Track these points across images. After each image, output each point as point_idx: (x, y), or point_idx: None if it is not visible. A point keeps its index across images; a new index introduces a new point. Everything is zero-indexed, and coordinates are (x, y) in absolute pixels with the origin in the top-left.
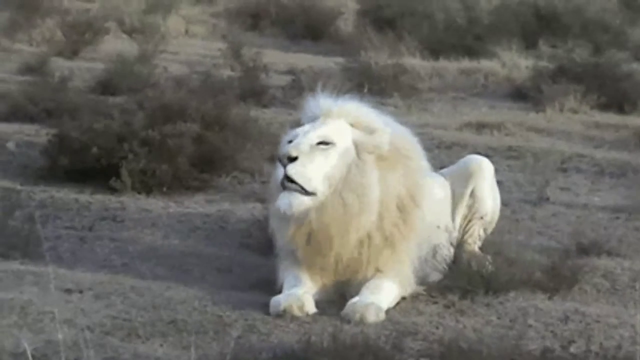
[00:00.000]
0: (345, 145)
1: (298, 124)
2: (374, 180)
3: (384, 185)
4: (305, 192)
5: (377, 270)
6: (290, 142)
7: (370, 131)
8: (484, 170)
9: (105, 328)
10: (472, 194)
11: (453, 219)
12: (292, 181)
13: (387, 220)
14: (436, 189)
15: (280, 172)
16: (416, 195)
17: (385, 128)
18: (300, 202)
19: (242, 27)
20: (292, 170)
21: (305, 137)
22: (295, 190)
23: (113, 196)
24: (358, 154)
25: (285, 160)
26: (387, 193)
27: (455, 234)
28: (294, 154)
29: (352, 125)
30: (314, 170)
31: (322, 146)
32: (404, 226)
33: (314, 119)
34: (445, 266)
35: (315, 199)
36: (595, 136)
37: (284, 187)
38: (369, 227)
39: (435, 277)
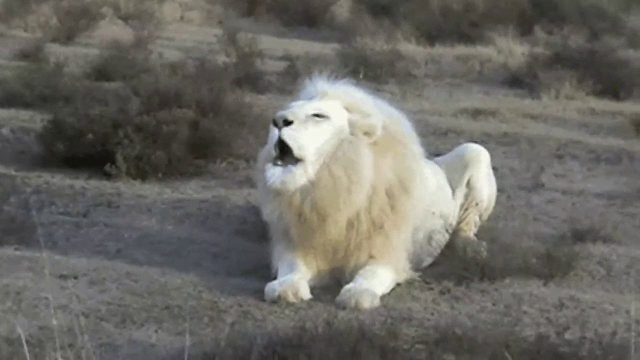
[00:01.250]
0: (339, 122)
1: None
2: (366, 158)
3: (375, 170)
4: (294, 161)
5: (371, 256)
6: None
7: (364, 115)
8: (481, 158)
9: (100, 314)
10: (469, 183)
11: (449, 207)
12: (283, 146)
13: (375, 205)
14: (430, 176)
15: (274, 135)
16: (406, 182)
17: (379, 113)
18: (293, 176)
19: (238, 13)
20: (286, 133)
21: (302, 107)
22: (286, 164)
23: (108, 182)
24: (351, 132)
25: (281, 123)
26: (377, 178)
27: (452, 221)
28: (290, 118)
29: (346, 108)
30: (307, 137)
31: (317, 118)
32: (392, 212)
33: (309, 99)
34: (440, 252)
35: (304, 168)
36: (591, 123)
37: (275, 155)
38: (359, 206)
39: (430, 263)
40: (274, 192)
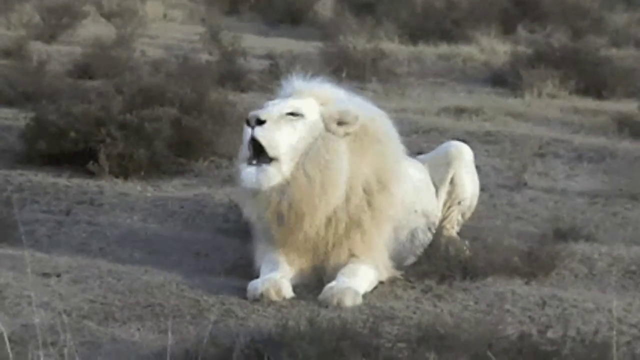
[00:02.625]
0: (313, 120)
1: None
2: (341, 156)
3: (352, 167)
4: (268, 160)
5: (352, 255)
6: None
7: (340, 112)
8: (464, 156)
9: (82, 312)
10: (452, 181)
11: (432, 205)
12: (256, 146)
13: (352, 202)
14: (412, 174)
15: (247, 134)
16: (385, 179)
17: (355, 109)
18: (266, 175)
19: (221, 11)
20: (259, 132)
21: (275, 106)
22: (260, 164)
23: (91, 180)
24: (326, 126)
25: (254, 122)
26: (354, 175)
27: (434, 219)
28: (262, 117)
29: (322, 105)
30: (280, 137)
31: (291, 117)
32: (370, 209)
33: (287, 97)
34: (422, 251)
35: (279, 167)
36: (574, 121)
37: (249, 156)
38: (335, 204)
39: (412, 261)
40: (250, 192)
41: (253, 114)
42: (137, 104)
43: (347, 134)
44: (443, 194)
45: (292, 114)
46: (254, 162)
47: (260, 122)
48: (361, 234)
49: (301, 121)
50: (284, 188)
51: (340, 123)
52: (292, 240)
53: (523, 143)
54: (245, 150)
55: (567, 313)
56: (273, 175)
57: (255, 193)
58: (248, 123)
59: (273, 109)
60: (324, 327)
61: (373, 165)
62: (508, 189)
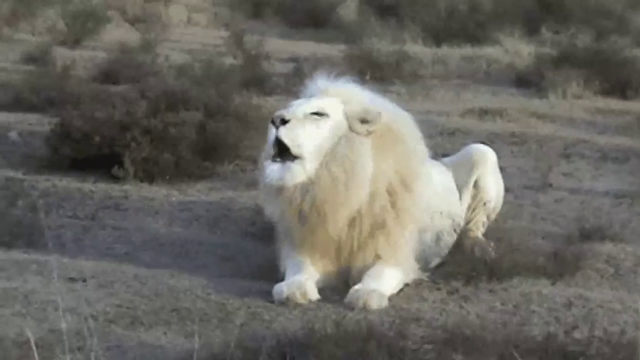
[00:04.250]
0: (337, 119)
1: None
2: (365, 156)
3: (376, 167)
4: (293, 158)
5: (377, 256)
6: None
7: (363, 110)
8: (488, 159)
9: (108, 316)
10: (476, 184)
11: (457, 207)
12: (281, 145)
13: (376, 203)
14: (436, 175)
15: (271, 134)
16: (408, 180)
17: (379, 109)
18: (291, 172)
19: (244, 15)
20: (283, 132)
21: (300, 106)
22: (284, 161)
23: (116, 185)
24: (350, 125)
25: (278, 122)
26: (378, 176)
27: (459, 221)
28: (287, 117)
29: (344, 103)
30: (304, 136)
31: (315, 116)
32: (394, 210)
33: (310, 97)
34: (448, 253)
35: (303, 165)
36: (598, 122)
37: (273, 153)
38: (359, 204)
39: (438, 263)
40: (273, 189)
41: (278, 113)
42: (161, 108)
43: (370, 132)
44: (467, 197)
45: (316, 113)
46: (278, 159)
47: (285, 122)
48: (385, 235)
49: (325, 121)
50: (307, 187)
51: (363, 121)
52: (313, 240)
53: (548, 144)
54: (269, 149)
55: (593, 313)
56: (297, 173)
57: (278, 190)
58: (273, 123)
59: (297, 109)
60: (350, 330)
61: (397, 166)
62: (533, 190)
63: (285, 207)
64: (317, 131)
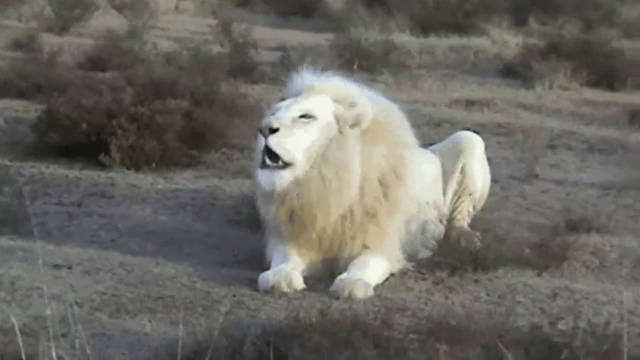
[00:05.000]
0: (326, 120)
1: (281, 98)
2: (355, 156)
3: (366, 159)
4: (284, 165)
5: (364, 246)
6: (273, 114)
7: (352, 106)
8: (475, 146)
9: (93, 304)
10: (463, 171)
11: (444, 195)
12: (271, 152)
13: (368, 195)
14: (424, 165)
15: (261, 143)
16: (399, 170)
17: (367, 102)
18: (281, 178)
19: (232, 4)
20: (273, 141)
21: (287, 110)
22: (275, 167)
23: (102, 172)
24: (339, 129)
25: (267, 131)
26: (369, 167)
27: (445, 211)
28: (275, 126)
29: (334, 100)
30: (294, 142)
31: (303, 119)
32: (386, 201)
33: (297, 94)
34: (434, 243)
35: (294, 171)
36: (585, 113)
37: (263, 160)
38: (350, 203)
39: (424, 253)
40: (267, 193)
41: (266, 122)
42: (148, 96)
43: (359, 130)
44: (453, 184)
45: (304, 116)
46: (269, 165)
47: (273, 131)
48: (375, 225)
49: (314, 123)
50: (298, 189)
51: (353, 125)
52: (304, 239)
53: (534, 135)
54: (258, 156)
55: (579, 305)
56: (288, 178)
57: (271, 194)
58: (261, 132)
59: (285, 115)
60: (335, 319)
61: (388, 157)
62: (519, 181)
63: (277, 208)
64: (306, 135)
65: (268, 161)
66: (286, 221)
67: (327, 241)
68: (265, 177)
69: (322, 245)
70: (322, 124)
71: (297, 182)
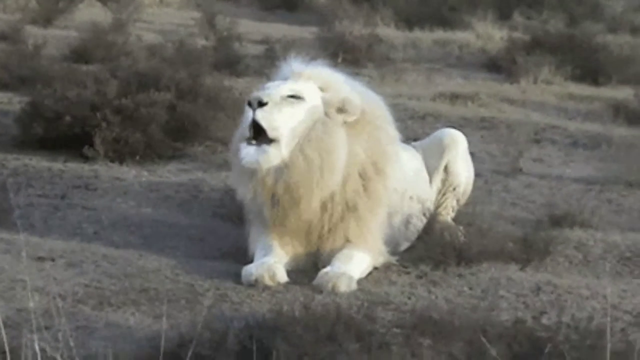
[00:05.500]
0: (313, 103)
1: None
2: (340, 140)
3: (348, 152)
4: (269, 141)
5: (347, 240)
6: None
7: (342, 100)
8: (458, 143)
9: (77, 296)
10: (446, 168)
11: (427, 191)
12: (257, 127)
13: (348, 186)
14: (406, 159)
15: (248, 116)
16: (380, 164)
17: (357, 98)
18: (266, 156)
19: None
20: (260, 114)
21: (276, 88)
22: (260, 144)
23: (86, 164)
24: (326, 112)
25: (255, 104)
26: (350, 160)
27: (429, 205)
28: (264, 99)
29: (321, 88)
30: (281, 119)
31: (292, 99)
32: (366, 194)
33: (284, 79)
34: (417, 237)
35: (279, 150)
36: (569, 108)
37: (249, 136)
38: (333, 188)
39: (407, 247)
40: (247, 171)
41: (255, 95)
42: (132, 88)
43: (345, 121)
44: (437, 182)
45: (292, 96)
46: (254, 142)
47: (262, 104)
48: (356, 218)
49: (302, 104)
50: (281, 170)
51: (340, 110)
52: (285, 223)
53: (518, 129)
54: (245, 131)
55: (562, 299)
56: (273, 156)
57: (252, 173)
58: (250, 104)
59: (274, 91)
60: (319, 312)
61: (369, 150)
62: (503, 175)
63: (259, 189)
64: (294, 114)
65: (252, 139)
66: (268, 203)
67: (307, 230)
68: (249, 155)
69: (303, 235)
70: (310, 107)
71: (281, 164)
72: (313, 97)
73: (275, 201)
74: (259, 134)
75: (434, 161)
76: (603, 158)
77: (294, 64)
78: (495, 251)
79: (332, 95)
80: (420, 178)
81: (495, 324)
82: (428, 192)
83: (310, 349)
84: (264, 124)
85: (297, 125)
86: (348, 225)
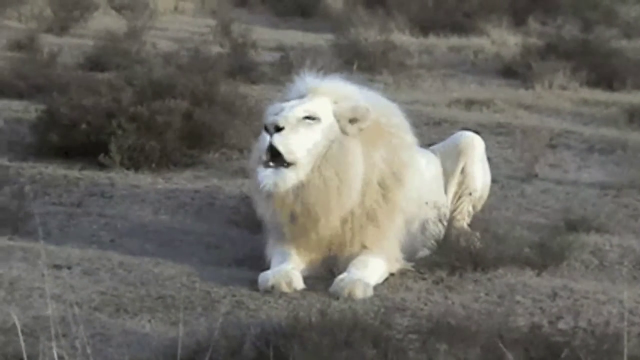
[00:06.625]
0: (329, 122)
1: (282, 99)
2: (357, 159)
3: (366, 162)
4: (286, 164)
5: (364, 246)
6: (276, 114)
7: (351, 108)
8: (475, 146)
9: (93, 304)
10: (463, 171)
11: (445, 195)
12: (274, 151)
13: (368, 197)
14: (424, 165)
15: (264, 141)
16: (399, 172)
17: (368, 105)
18: (283, 179)
19: (231, 4)
20: (278, 139)
21: (292, 110)
22: (277, 167)
23: (102, 172)
24: (341, 128)
25: (272, 129)
26: (369, 169)
27: (445, 211)
28: (281, 124)
29: (336, 103)
30: (298, 142)
31: (307, 121)
32: (385, 203)
33: (299, 96)
34: (433, 243)
35: (296, 172)
36: (584, 113)
37: (266, 159)
38: (351, 205)
39: (424, 253)
40: (266, 193)
41: (272, 120)
42: (148, 96)
43: (360, 129)
44: (454, 185)
45: (308, 117)
46: (271, 164)
47: (279, 129)
48: (374, 226)
49: (317, 125)
50: (299, 190)
51: (352, 120)
52: (304, 240)
53: (534, 135)
54: (261, 154)
55: (578, 304)
56: (290, 179)
57: (270, 195)
58: (266, 129)
59: (290, 114)
60: (335, 319)
61: (388, 159)
62: (519, 181)
63: (278, 209)
64: (310, 136)
65: (270, 162)
66: (287, 222)
67: (326, 242)
68: (267, 178)
69: (322, 246)
70: (325, 126)
71: (299, 184)
72: (328, 116)
73: (293, 219)
74: (276, 157)
75: (450, 164)
76: (619, 163)
77: (309, 80)
78: (511, 256)
79: (342, 106)
80: (438, 184)
81: (512, 329)
82: (443, 198)
83: (327, 355)
84: (281, 149)
85: (313, 147)
86: (366, 232)
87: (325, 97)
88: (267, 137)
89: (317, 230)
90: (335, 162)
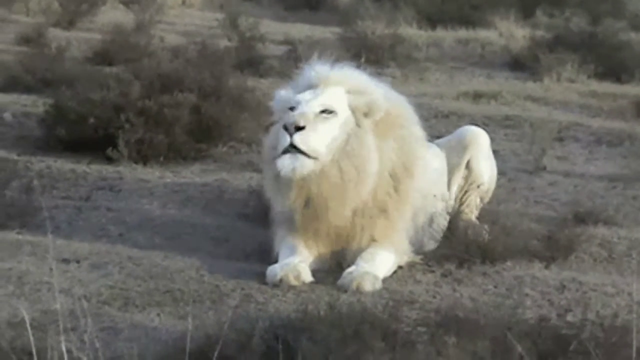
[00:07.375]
0: (345, 115)
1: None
2: (372, 151)
3: (379, 153)
4: (308, 158)
5: (372, 239)
6: (291, 108)
7: (366, 103)
8: (480, 141)
9: (102, 297)
10: (468, 165)
11: (449, 189)
12: (296, 149)
13: (380, 189)
14: (431, 159)
15: (285, 139)
16: (409, 165)
17: (380, 92)
18: (302, 164)
19: None
20: (299, 138)
21: (309, 106)
22: (294, 152)
23: (110, 166)
24: (356, 121)
25: (292, 129)
26: (381, 162)
27: (452, 203)
28: (301, 124)
29: (348, 92)
30: (318, 139)
31: (324, 115)
32: (396, 195)
33: (310, 86)
34: (441, 235)
35: (315, 162)
36: (592, 105)
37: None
38: (365, 197)
39: (432, 246)
40: (282, 181)
41: (292, 120)
42: (156, 90)
43: (375, 122)
44: (459, 179)
45: (324, 111)
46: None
47: (299, 128)
48: (385, 218)
49: (335, 119)
50: (317, 179)
51: (367, 115)
52: (315, 229)
53: (542, 127)
54: (280, 148)
55: (587, 296)
56: (308, 166)
57: (289, 181)
58: (286, 129)
59: (308, 110)
60: (344, 312)
61: (398, 151)
62: (527, 173)
63: (294, 195)
64: (329, 131)
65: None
66: (301, 207)
67: (336, 234)
68: (286, 163)
69: (331, 238)
70: (342, 120)
71: (317, 173)
72: (343, 108)
73: (308, 204)
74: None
75: (456, 158)
76: (626, 155)
77: (318, 69)
78: (519, 249)
79: (357, 99)
80: (444, 177)
81: (520, 321)
82: (447, 192)
83: (336, 349)
84: (303, 147)
85: (332, 141)
86: (376, 225)
87: (338, 87)
88: (287, 136)
89: (329, 219)
90: (353, 157)
